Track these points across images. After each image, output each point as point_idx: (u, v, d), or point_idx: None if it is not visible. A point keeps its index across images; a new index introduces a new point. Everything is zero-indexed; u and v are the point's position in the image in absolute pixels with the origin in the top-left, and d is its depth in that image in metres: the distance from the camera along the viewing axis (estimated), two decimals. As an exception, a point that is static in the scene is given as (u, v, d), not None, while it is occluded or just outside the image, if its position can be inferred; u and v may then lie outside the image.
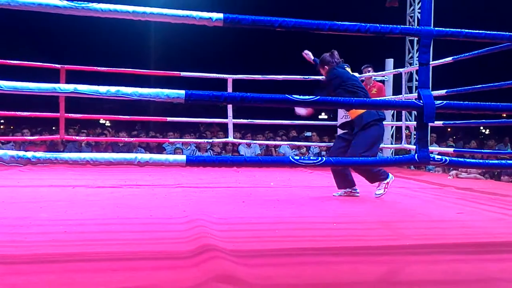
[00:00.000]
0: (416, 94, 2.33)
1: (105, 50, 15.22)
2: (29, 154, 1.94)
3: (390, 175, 3.92)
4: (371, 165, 3.17)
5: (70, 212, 3.01)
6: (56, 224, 2.62)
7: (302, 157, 2.20)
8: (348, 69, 4.05)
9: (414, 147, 3.70)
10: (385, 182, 3.89)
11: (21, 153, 1.94)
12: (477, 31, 2.36)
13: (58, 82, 5.94)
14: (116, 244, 2.22)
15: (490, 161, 2.62)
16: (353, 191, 4.02)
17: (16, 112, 6.29)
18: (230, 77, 6.59)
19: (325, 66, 4.07)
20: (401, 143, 7.02)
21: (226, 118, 6.69)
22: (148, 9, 2.04)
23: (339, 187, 4.06)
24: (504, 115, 4.59)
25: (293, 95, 2.17)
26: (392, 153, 8.27)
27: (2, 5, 1.98)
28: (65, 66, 6.15)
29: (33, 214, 2.89)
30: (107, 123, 13.67)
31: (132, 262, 1.92)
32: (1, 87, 1.95)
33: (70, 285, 1.63)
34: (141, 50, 16.62)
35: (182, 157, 2.08)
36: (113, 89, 1.98)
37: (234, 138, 7.06)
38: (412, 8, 9.28)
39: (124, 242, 2.25)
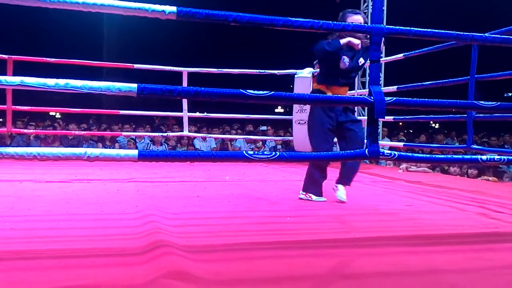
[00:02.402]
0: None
1: (56, 40, 14.74)
2: (-28, 148, 1.86)
3: None
4: (324, 160, 3.20)
5: (17, 208, 2.91)
6: (2, 220, 2.52)
7: (256, 152, 2.20)
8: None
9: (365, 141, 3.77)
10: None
11: (-38, 147, 1.85)
12: (425, 29, 2.43)
13: (5, 73, 5.72)
14: (65, 241, 2.16)
15: (437, 156, 2.71)
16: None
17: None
18: (185, 70, 6.52)
19: None
20: (354, 137, 7.16)
21: (181, 111, 6.63)
22: (98, 1, 1.98)
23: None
24: (453, 110, 4.78)
25: (247, 90, 2.16)
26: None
27: None
28: (13, 56, 5.91)
29: (-24, 211, 2.78)
30: (58, 115, 13.25)
31: (81, 259, 1.87)
32: None
33: (15, 284, 1.57)
34: (94, 41, 16.19)
35: (134, 152, 2.04)
36: (62, 81, 1.92)
37: (189, 131, 7.01)
38: (366, 4, 9.45)
39: (73, 239, 2.19)
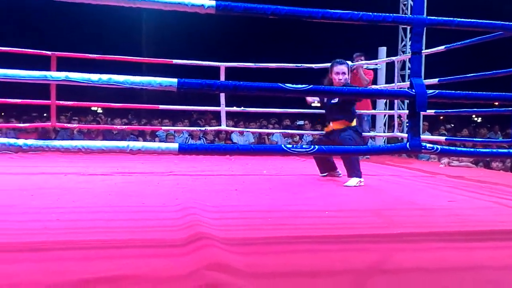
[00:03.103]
0: (409, 82, 2.34)
1: (97, 36, 15.09)
2: (21, 141, 1.93)
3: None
4: (363, 154, 3.20)
5: (62, 200, 3.01)
6: (48, 212, 2.61)
7: (294, 146, 2.20)
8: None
9: (406, 135, 3.74)
10: (360, 179, 4.00)
11: (12, 140, 1.93)
12: (469, 20, 2.37)
13: (49, 68, 5.91)
14: (109, 232, 2.22)
15: (481, 150, 2.64)
16: (335, 173, 4.52)
17: (7, 99, 6.24)
18: (223, 65, 6.57)
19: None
20: (393, 132, 7.06)
21: (219, 106, 6.68)
22: (139, -4, 2.02)
23: (322, 172, 4.59)
24: (496, 103, 4.64)
25: (285, 84, 2.16)
26: (384, 141, 8.31)
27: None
28: (56, 53, 6.10)
29: (24, 202, 2.88)
30: (99, 110, 13.57)
31: (124, 250, 1.92)
32: (-9, 75, 1.94)
33: (62, 272, 1.63)
34: (133, 37, 16.51)
35: (175, 145, 2.07)
36: (104, 77, 1.97)
37: (227, 126, 7.06)
38: (405, -5, 9.27)
39: (116, 230, 2.25)
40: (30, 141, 1.94)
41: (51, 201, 2.97)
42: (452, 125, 11.43)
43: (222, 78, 6.51)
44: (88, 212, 2.68)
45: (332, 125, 4.41)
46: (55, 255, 1.83)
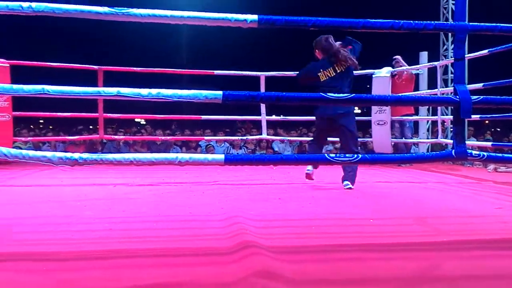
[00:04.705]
0: (452, 87, 2.33)
1: (139, 50, 15.51)
2: (76, 155, 2.03)
3: None
4: (407, 162, 3.18)
5: (113, 210, 3.12)
6: (101, 221, 2.72)
7: (337, 155, 2.23)
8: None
9: (450, 141, 3.69)
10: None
11: (68, 154, 2.04)
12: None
13: (95, 82, 6.14)
14: (159, 240, 2.30)
15: (530, 156, 2.59)
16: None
17: (57, 113, 6.51)
18: (262, 75, 6.64)
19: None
20: (437, 138, 6.93)
21: (259, 115, 6.75)
22: (185, 13, 2.10)
23: (315, 167, 4.46)
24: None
25: (328, 93, 2.20)
26: (428, 148, 8.17)
27: (47, 13, 2.09)
28: (102, 67, 6.33)
29: (78, 213, 3.01)
30: (143, 122, 13.91)
31: (174, 258, 1.99)
32: (48, 92, 2.06)
33: (116, 280, 1.70)
34: (174, 50, 16.88)
35: (221, 156, 2.14)
36: (154, 91, 2.06)
37: (267, 134, 7.11)
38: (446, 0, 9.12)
39: (166, 239, 2.33)
40: (85, 155, 2.05)
41: (103, 211, 3.08)
42: (499, 130, 11.06)
43: (262, 87, 6.58)
44: (138, 222, 2.77)
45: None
46: (109, 263, 1.92)
